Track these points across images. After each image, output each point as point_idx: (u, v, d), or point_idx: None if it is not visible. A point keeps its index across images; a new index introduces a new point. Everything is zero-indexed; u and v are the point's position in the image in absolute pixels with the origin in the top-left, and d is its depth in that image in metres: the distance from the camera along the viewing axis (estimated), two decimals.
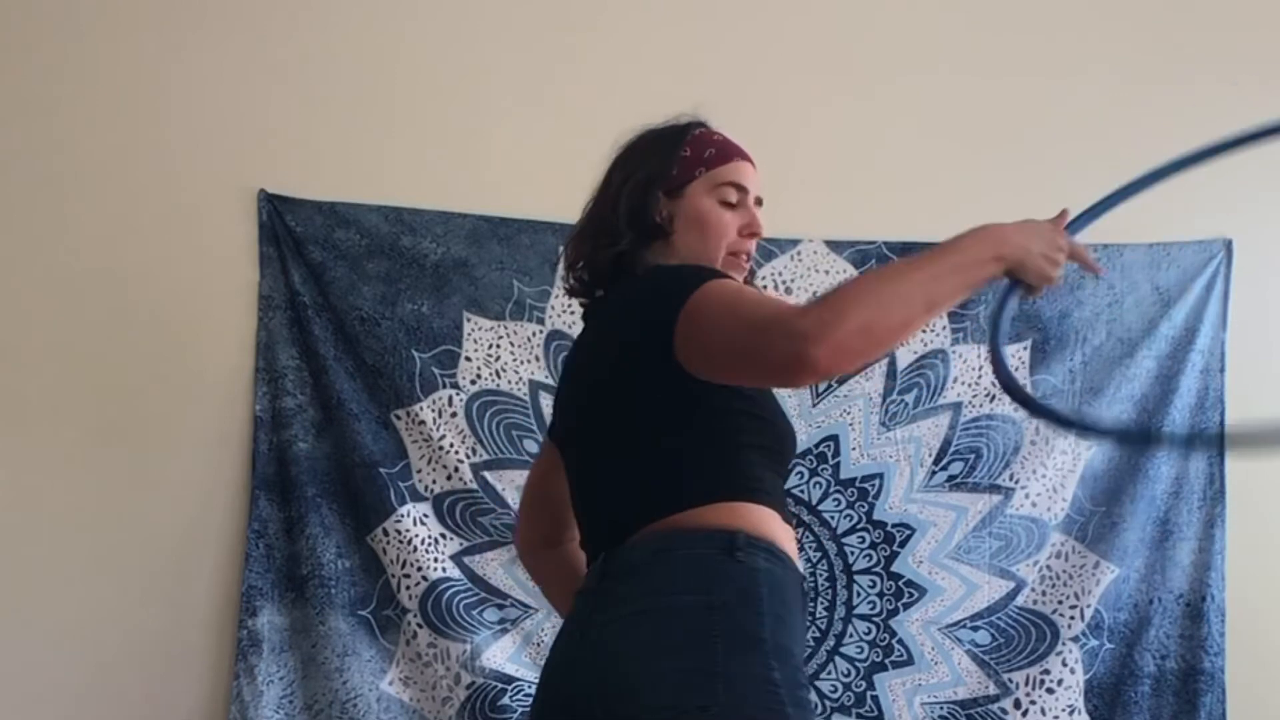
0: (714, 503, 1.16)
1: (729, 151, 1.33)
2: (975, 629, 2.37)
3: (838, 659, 2.35)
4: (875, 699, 2.35)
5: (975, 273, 1.07)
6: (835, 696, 2.35)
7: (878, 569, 2.37)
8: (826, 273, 2.38)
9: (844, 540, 2.37)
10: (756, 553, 1.12)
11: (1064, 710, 2.35)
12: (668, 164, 1.32)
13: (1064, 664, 2.36)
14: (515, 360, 2.30)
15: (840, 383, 2.37)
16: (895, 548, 2.37)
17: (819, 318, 1.00)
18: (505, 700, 2.21)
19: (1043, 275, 1.14)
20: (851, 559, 2.37)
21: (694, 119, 1.38)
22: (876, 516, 2.37)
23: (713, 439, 1.19)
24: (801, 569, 1.24)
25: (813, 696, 1.11)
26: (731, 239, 1.32)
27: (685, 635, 1.05)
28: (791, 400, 2.35)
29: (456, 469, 2.25)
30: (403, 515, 2.23)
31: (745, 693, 1.01)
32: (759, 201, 1.36)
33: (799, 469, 2.36)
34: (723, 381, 1.15)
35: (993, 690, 2.37)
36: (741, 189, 1.33)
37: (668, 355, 1.14)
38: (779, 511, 1.20)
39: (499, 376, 2.29)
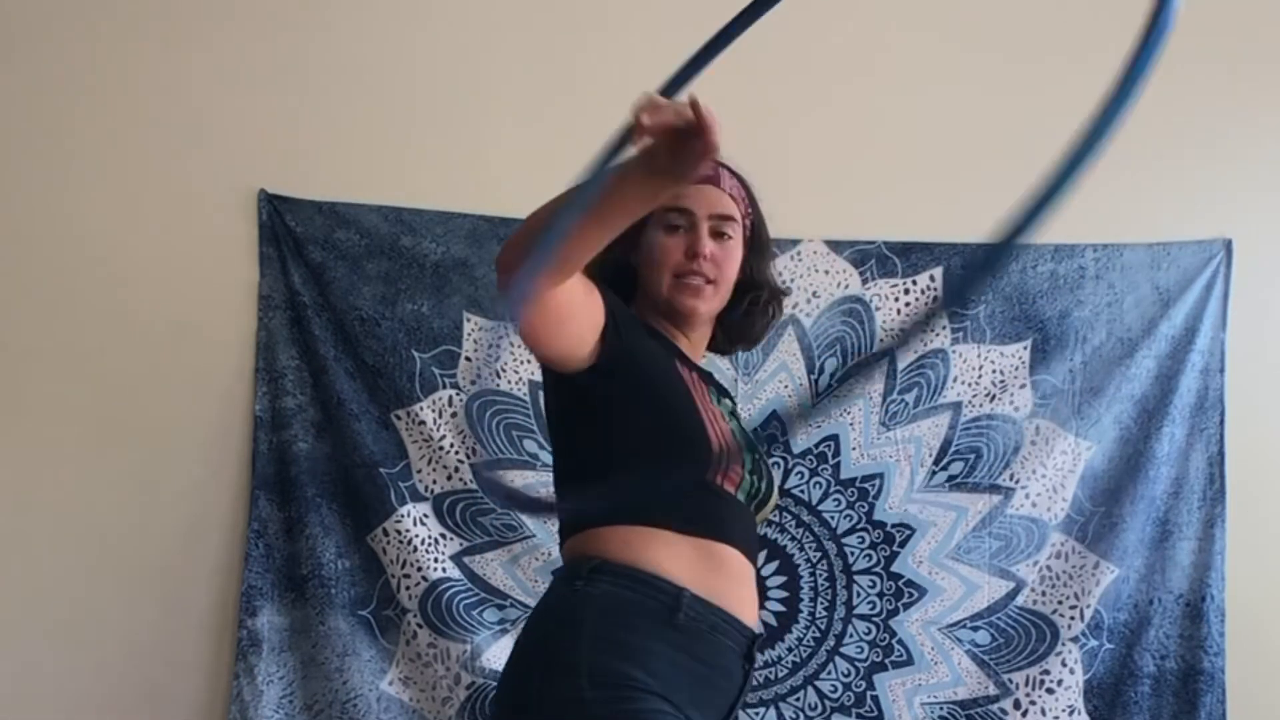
0: (584, 530, 1.21)
1: None
2: (975, 629, 2.37)
3: (837, 659, 2.35)
4: (875, 699, 2.35)
5: (640, 170, 1.01)
6: (835, 696, 2.35)
7: (878, 569, 2.37)
8: (826, 273, 2.37)
9: (844, 540, 2.36)
10: (600, 579, 1.15)
11: (1064, 710, 2.35)
12: None
13: (1064, 664, 2.36)
14: (515, 360, 2.30)
15: (839, 382, 2.37)
16: (895, 548, 2.37)
17: None
18: None
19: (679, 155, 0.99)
20: (851, 559, 2.36)
21: None
22: (876, 516, 2.37)
23: (592, 462, 1.22)
24: (708, 581, 1.19)
25: (664, 706, 1.12)
26: (675, 263, 1.31)
27: (518, 665, 1.18)
28: (791, 401, 2.35)
29: (456, 469, 2.25)
30: (403, 515, 2.23)
31: (551, 717, 1.11)
32: (724, 218, 1.34)
33: (799, 469, 2.36)
34: (539, 343, 1.16)
35: (993, 690, 2.36)
36: (684, 212, 1.32)
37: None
38: (670, 525, 1.18)
39: (499, 377, 2.29)
